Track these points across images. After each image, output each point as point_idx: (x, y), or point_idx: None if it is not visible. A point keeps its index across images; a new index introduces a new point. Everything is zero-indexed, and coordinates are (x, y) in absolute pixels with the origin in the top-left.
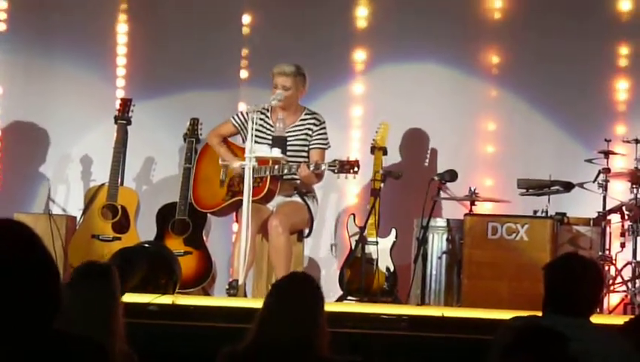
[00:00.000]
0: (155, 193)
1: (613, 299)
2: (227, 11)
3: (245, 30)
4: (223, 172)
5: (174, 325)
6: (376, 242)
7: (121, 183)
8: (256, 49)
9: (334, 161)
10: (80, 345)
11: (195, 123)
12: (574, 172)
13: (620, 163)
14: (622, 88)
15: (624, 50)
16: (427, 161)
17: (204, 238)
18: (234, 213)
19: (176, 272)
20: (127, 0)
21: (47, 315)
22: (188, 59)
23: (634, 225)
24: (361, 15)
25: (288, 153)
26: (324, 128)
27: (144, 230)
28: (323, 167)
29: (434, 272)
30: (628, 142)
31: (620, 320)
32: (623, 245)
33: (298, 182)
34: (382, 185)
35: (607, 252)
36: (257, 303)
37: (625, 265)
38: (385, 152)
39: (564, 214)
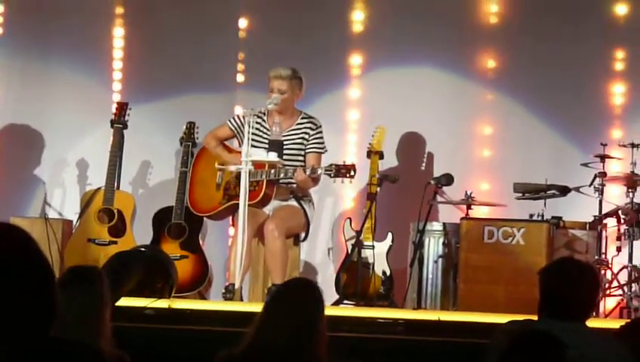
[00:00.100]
0: (151, 197)
1: (609, 303)
2: (224, 15)
3: (242, 34)
4: (219, 176)
5: (170, 329)
6: (373, 246)
7: (118, 187)
8: (252, 53)
9: (331, 165)
10: (76, 350)
11: (191, 126)
12: (570, 176)
13: (616, 167)
14: (618, 92)
15: (620, 54)
16: (423, 164)
17: (201, 242)
18: (230, 217)
19: (173, 276)
20: (124, 4)
21: (44, 320)
22: (184, 63)
23: (630, 229)
24: (358, 19)
25: (285, 157)
26: (321, 132)
27: (140, 234)
28: (319, 171)
29: (430, 276)
30: (624, 146)
31: (616, 324)
32: (618, 249)
33: (294, 186)
34: (378, 189)
35: (603, 256)
36: (254, 307)
37: (621, 269)
38: (381, 156)
39: (560, 218)
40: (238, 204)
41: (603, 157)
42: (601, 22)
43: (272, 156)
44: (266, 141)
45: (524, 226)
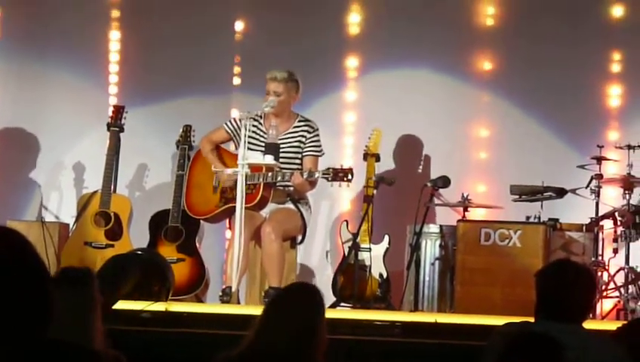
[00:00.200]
0: (147, 200)
1: (606, 305)
2: (220, 18)
3: (238, 37)
4: (215, 178)
5: (167, 332)
6: (369, 248)
7: (114, 190)
8: (248, 55)
9: (328, 168)
10: (75, 351)
11: (187, 130)
12: (567, 178)
13: (613, 169)
14: (614, 94)
15: (616, 56)
16: (420, 167)
17: (197, 245)
18: (227, 220)
19: (169, 279)
20: (120, 7)
21: (41, 322)
22: (180, 66)
23: (626, 230)
24: (354, 22)
25: (281, 160)
26: (318, 135)
27: (137, 237)
28: (317, 174)
29: (427, 278)
30: (620, 148)
31: (612, 325)
32: (615, 251)
33: (291, 189)
34: (375, 191)
35: (599, 258)
36: (250, 310)
37: (617, 271)
38: (377, 159)
39: (556, 220)
40: (234, 206)
41: (599, 159)
42: (597, 24)
43: (269, 159)
44: (263, 144)
45: (520, 228)
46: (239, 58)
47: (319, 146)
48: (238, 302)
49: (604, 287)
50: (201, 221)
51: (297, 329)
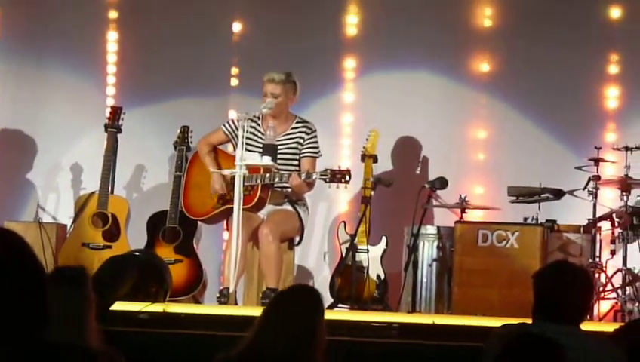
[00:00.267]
0: (145, 201)
1: (603, 306)
2: (217, 19)
3: (235, 38)
4: (212, 186)
5: (165, 333)
6: (367, 250)
7: (112, 191)
8: (246, 57)
9: (326, 170)
10: (73, 352)
11: (185, 131)
12: (564, 179)
13: (610, 170)
14: (612, 96)
15: (614, 57)
16: (418, 168)
17: (195, 246)
18: (224, 221)
19: (167, 280)
20: (118, 8)
21: (39, 323)
22: (178, 67)
23: (624, 232)
24: (352, 22)
25: (279, 161)
26: (315, 137)
27: (134, 238)
28: (314, 176)
29: (424, 280)
30: (618, 149)
31: (610, 327)
32: (613, 252)
33: (289, 190)
34: (372, 192)
35: (597, 259)
36: (248, 311)
37: (615, 273)
38: (375, 160)
39: (554, 221)
40: (232, 208)
41: (597, 161)
42: (595, 25)
43: (266, 160)
44: (261, 145)
45: (518, 230)
46: (237, 59)
47: (317, 148)
48: (236, 303)
49: (601, 289)
50: (199, 222)
51: (297, 330)
